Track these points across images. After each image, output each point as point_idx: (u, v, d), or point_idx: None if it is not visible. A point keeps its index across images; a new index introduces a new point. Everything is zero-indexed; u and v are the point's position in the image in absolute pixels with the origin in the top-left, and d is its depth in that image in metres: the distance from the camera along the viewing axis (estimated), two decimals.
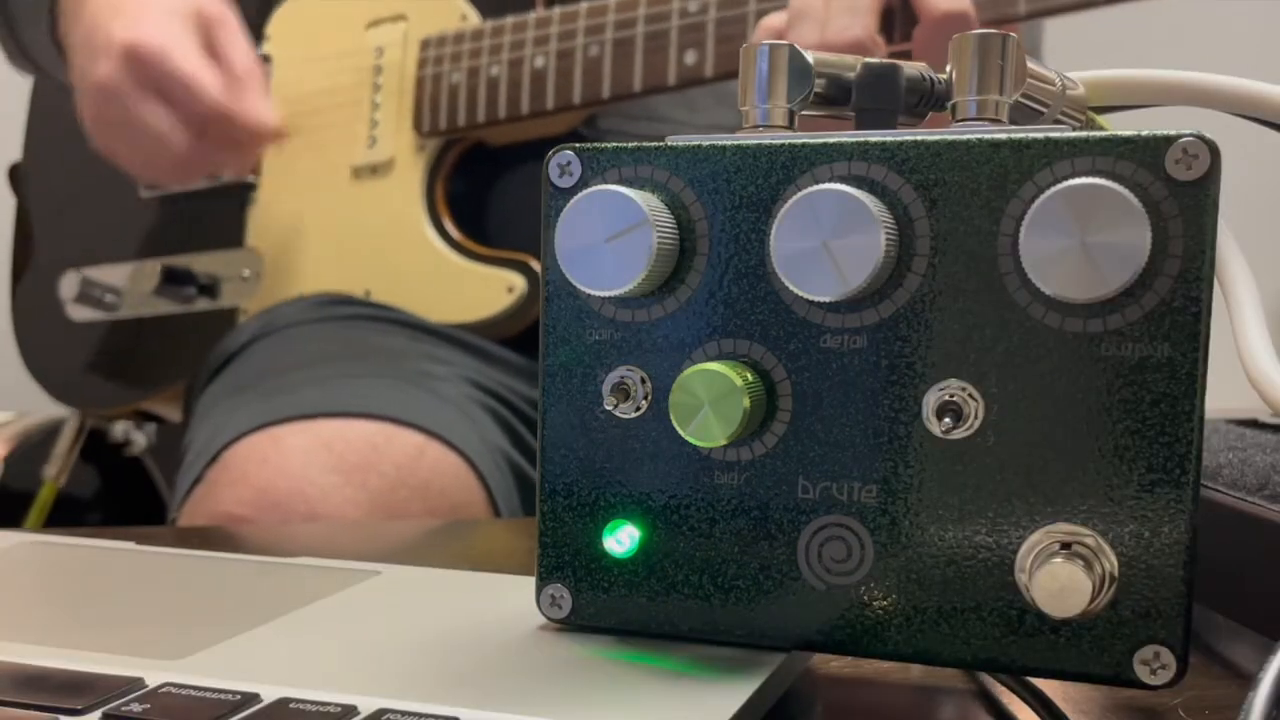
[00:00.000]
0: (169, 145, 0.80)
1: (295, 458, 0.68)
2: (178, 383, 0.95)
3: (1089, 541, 0.27)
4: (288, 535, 0.61)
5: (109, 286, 0.99)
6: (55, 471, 1.07)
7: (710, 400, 0.28)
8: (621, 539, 0.31)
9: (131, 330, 0.99)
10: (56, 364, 1.04)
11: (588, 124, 0.87)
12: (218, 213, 0.96)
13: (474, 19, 0.88)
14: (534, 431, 0.81)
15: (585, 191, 0.29)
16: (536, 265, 0.83)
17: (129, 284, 0.98)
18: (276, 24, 0.96)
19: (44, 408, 1.12)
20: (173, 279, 0.94)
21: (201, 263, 0.96)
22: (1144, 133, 0.26)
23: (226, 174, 0.91)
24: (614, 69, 0.80)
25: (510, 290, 0.83)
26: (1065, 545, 0.27)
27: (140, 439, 1.17)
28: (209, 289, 0.95)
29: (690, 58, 0.77)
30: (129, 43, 0.77)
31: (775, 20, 0.69)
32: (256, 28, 0.96)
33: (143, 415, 1.07)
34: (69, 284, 1.00)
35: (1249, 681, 0.25)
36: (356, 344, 0.82)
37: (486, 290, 0.84)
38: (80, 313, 1.01)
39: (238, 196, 0.95)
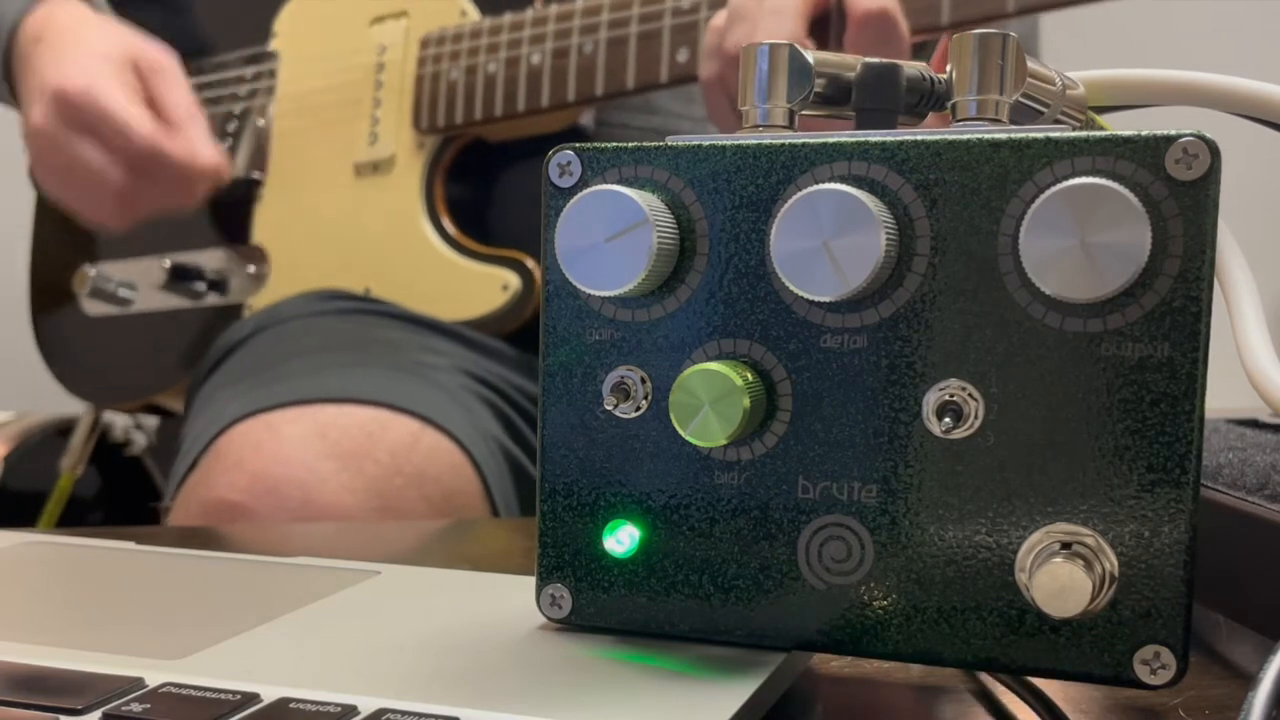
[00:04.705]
0: (105, 183, 0.81)
1: (290, 444, 0.68)
2: (188, 377, 0.96)
3: (1089, 541, 0.27)
4: (288, 535, 0.61)
5: (122, 281, 0.99)
6: (71, 463, 1.07)
7: (710, 400, 0.28)
8: (621, 539, 0.31)
9: (145, 325, 1.00)
10: (72, 358, 1.05)
11: (593, 118, 0.87)
12: (226, 209, 0.96)
13: (473, 15, 0.88)
14: (530, 424, 0.82)
15: (585, 191, 0.29)
16: (532, 263, 0.83)
17: (142, 279, 0.99)
18: (284, 21, 0.97)
19: (47, 407, 1.13)
20: (181, 275, 0.95)
21: (210, 259, 0.96)
22: (1144, 133, 0.26)
23: (170, 211, 0.90)
24: (608, 66, 0.80)
25: (505, 288, 0.84)
26: (1065, 545, 0.27)
27: (140, 439, 1.17)
28: (218, 285, 0.95)
29: (683, 55, 0.78)
30: (56, 85, 0.80)
31: (717, 20, 0.71)
32: (263, 25, 0.96)
33: (153, 409, 1.07)
34: (83, 279, 1.00)
35: (1249, 681, 0.25)
36: (354, 335, 0.83)
37: (482, 288, 0.85)
38: (95, 307, 1.01)
39: (245, 193, 0.95)
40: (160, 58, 0.84)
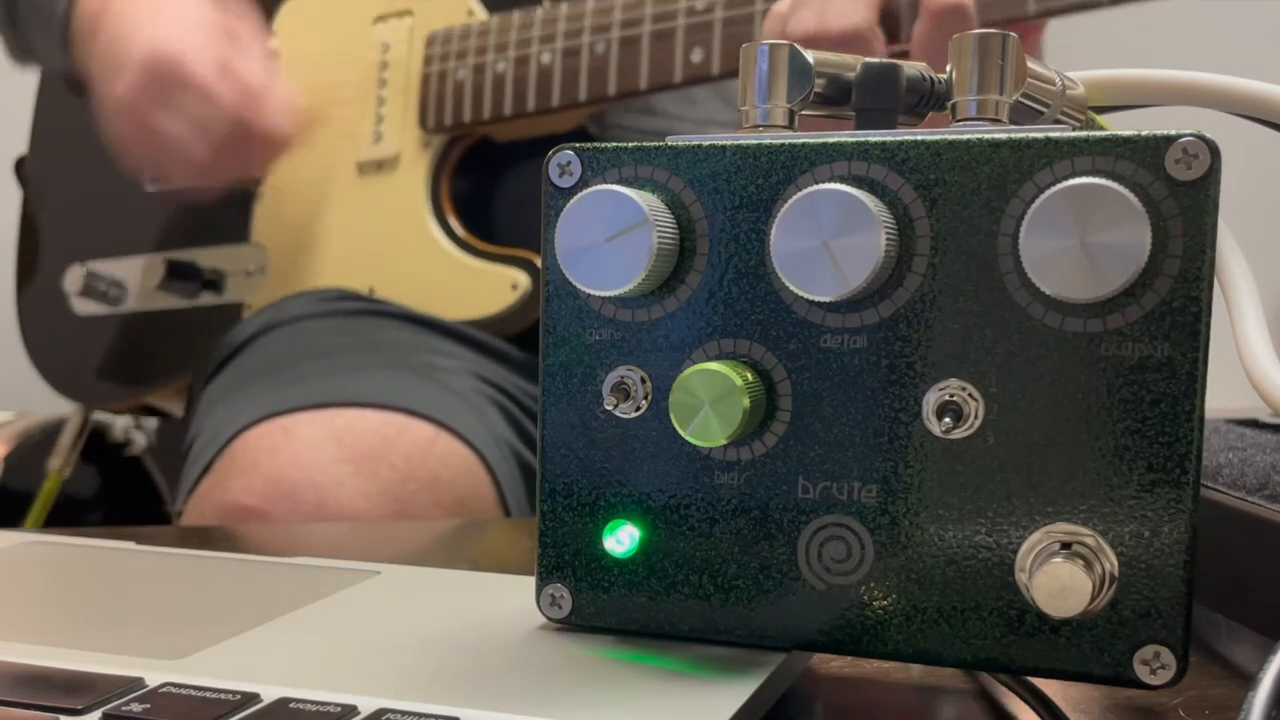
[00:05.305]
0: (188, 154, 0.80)
1: (306, 448, 0.68)
2: (182, 378, 0.95)
3: (1089, 541, 0.27)
4: (288, 536, 0.61)
5: (114, 280, 0.99)
6: (59, 464, 1.07)
7: (710, 400, 0.28)
8: (621, 539, 0.31)
9: (137, 324, 0.99)
10: (61, 358, 1.04)
11: (593, 119, 0.87)
12: (224, 207, 0.96)
13: (481, 14, 0.88)
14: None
15: (585, 191, 0.29)
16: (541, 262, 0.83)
17: (134, 278, 0.98)
18: (283, 19, 0.96)
19: (44, 407, 1.13)
20: (177, 273, 0.94)
21: (206, 257, 0.96)
22: (1144, 133, 0.26)
23: (242, 180, 0.91)
24: (620, 66, 0.80)
25: (514, 287, 0.84)
26: (1065, 545, 0.27)
27: (140, 439, 1.17)
28: (214, 284, 0.95)
29: (697, 55, 0.77)
30: (146, 54, 0.78)
31: (780, 5, 0.68)
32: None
33: (146, 410, 1.07)
34: (73, 277, 1.00)
35: (1249, 681, 0.25)
36: (364, 336, 0.83)
37: (490, 288, 0.84)
38: (85, 306, 1.01)
39: (244, 191, 0.95)
40: (236, 21, 0.82)
